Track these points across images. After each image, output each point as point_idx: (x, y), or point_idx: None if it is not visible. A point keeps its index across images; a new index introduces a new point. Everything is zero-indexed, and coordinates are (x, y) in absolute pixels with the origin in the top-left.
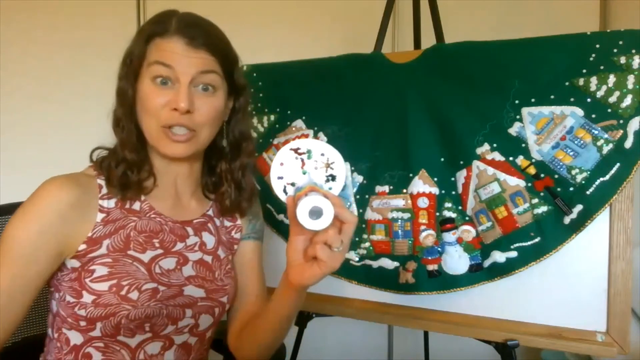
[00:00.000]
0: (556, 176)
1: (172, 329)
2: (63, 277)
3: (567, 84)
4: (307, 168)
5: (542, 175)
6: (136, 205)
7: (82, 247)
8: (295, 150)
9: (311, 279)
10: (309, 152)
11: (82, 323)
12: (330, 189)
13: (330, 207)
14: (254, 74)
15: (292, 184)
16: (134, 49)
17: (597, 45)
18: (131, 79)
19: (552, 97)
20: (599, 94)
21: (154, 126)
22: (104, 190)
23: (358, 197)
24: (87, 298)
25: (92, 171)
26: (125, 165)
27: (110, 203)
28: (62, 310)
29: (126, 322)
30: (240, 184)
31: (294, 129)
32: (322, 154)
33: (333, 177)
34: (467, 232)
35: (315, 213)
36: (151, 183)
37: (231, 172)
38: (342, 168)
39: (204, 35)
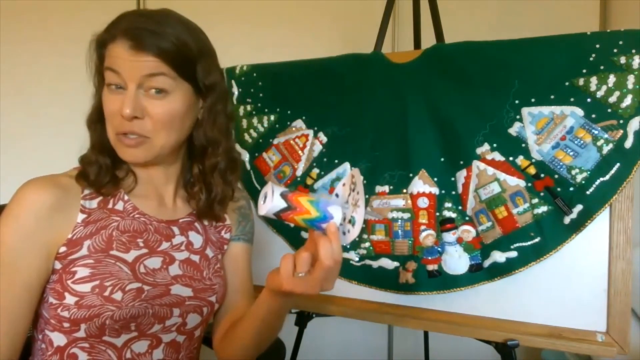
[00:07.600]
0: (556, 176)
1: (159, 328)
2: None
3: (567, 84)
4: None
5: (542, 175)
6: (119, 205)
7: (63, 249)
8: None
9: (273, 284)
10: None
11: (66, 324)
12: (348, 231)
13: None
14: (254, 74)
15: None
16: (95, 55)
17: (597, 45)
18: (97, 84)
19: (552, 97)
20: (599, 94)
21: (112, 133)
22: (87, 191)
23: None
24: (70, 299)
25: (75, 172)
26: (97, 166)
27: (93, 204)
28: (45, 312)
29: (111, 322)
30: (210, 186)
31: (294, 129)
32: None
33: (352, 221)
34: (467, 232)
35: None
36: (131, 181)
37: (203, 173)
38: (361, 219)
39: (148, 36)
